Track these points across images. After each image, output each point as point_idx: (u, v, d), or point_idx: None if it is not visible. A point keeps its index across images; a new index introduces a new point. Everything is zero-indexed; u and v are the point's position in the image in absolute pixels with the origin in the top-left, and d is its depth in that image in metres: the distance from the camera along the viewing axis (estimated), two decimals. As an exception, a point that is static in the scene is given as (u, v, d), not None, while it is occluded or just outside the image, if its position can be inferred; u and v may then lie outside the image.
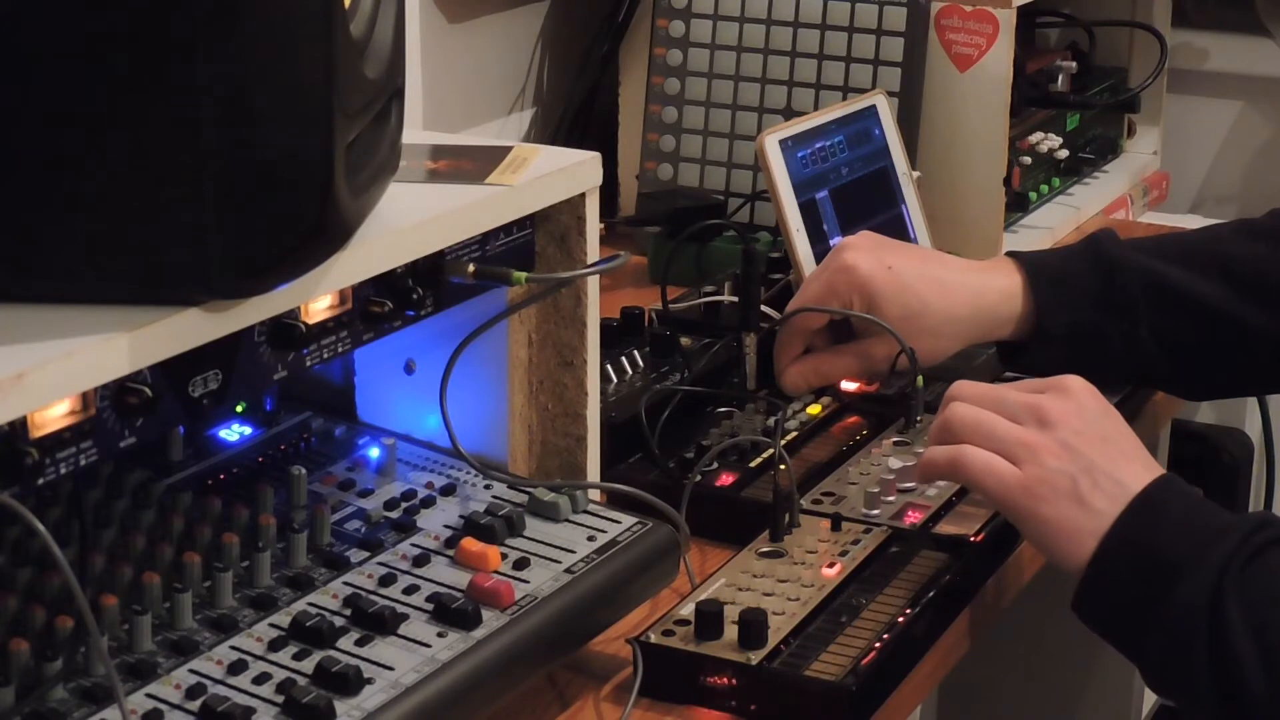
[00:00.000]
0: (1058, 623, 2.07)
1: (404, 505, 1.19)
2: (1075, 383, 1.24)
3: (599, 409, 1.27)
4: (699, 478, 1.33)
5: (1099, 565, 1.17)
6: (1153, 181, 2.23)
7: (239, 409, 1.25)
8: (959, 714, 2.19)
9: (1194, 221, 2.13)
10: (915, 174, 1.73)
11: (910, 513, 1.31)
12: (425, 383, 1.25)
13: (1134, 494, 1.17)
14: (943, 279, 1.46)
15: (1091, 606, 1.18)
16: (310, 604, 1.07)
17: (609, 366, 1.46)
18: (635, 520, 1.18)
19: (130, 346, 0.90)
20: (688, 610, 1.17)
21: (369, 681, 1.00)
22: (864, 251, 1.46)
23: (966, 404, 1.24)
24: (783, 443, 1.40)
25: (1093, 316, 1.46)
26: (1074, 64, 2.11)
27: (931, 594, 1.22)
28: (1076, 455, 1.19)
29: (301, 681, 0.99)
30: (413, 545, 1.14)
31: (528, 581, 1.11)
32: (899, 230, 1.68)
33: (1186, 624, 1.12)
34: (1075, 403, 1.22)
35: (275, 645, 1.03)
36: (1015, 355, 1.50)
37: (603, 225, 1.32)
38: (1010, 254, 1.51)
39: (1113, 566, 1.16)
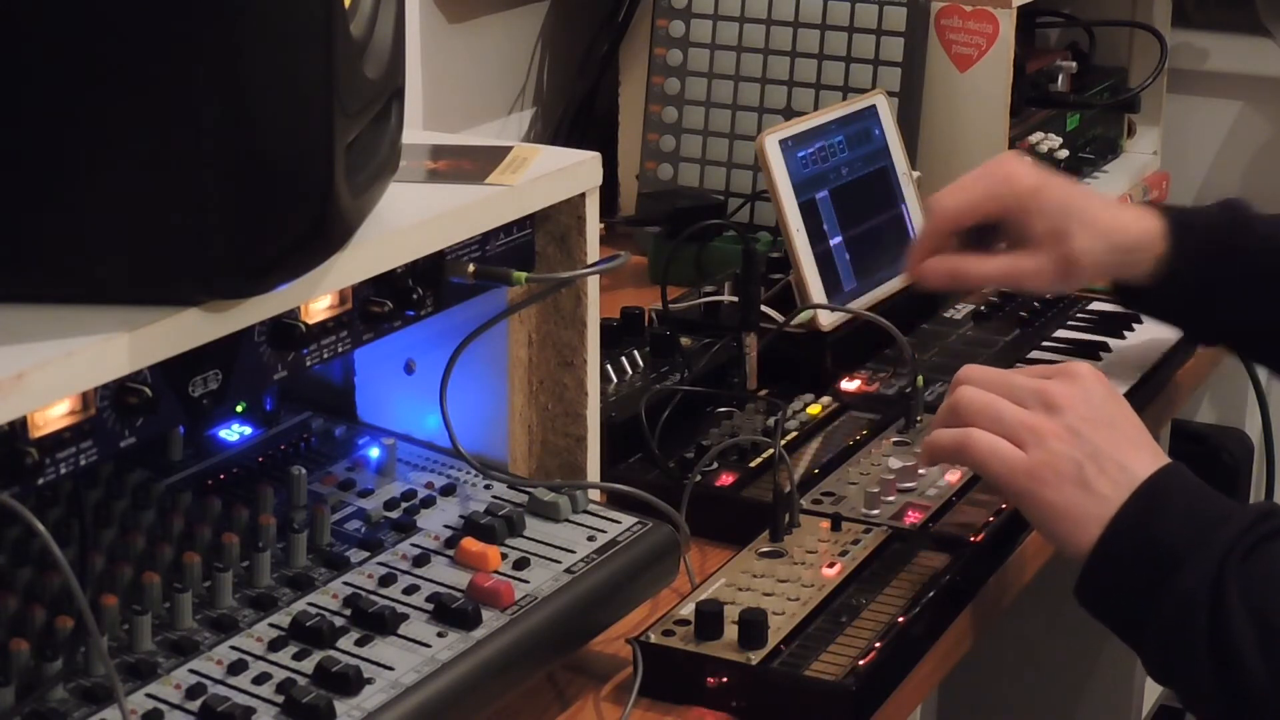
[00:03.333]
0: (1058, 623, 2.07)
1: (404, 505, 1.19)
2: (1083, 368, 1.24)
3: (599, 409, 1.27)
4: (699, 478, 1.33)
5: (1102, 551, 1.17)
6: (1153, 181, 2.23)
7: (239, 409, 1.25)
8: (959, 714, 2.19)
9: (1194, 221, 2.12)
10: (915, 174, 1.73)
11: (910, 513, 1.31)
12: (425, 383, 1.25)
13: (1140, 481, 1.17)
14: (1092, 209, 1.49)
15: (1093, 592, 1.18)
16: (310, 604, 1.07)
17: (609, 366, 1.46)
18: (635, 520, 1.18)
19: (130, 346, 0.90)
20: (688, 610, 1.17)
21: (369, 681, 1.00)
22: (1026, 166, 1.48)
23: (974, 387, 1.24)
24: (783, 443, 1.40)
25: (1217, 273, 1.48)
26: (1074, 64, 2.11)
27: (931, 594, 1.22)
28: (1083, 440, 1.19)
29: (301, 681, 0.99)
30: (413, 545, 1.14)
31: (528, 581, 1.11)
32: (899, 230, 1.68)
33: (1187, 611, 1.12)
34: (1083, 388, 1.22)
35: (275, 645, 1.03)
36: (1136, 297, 1.53)
37: (603, 225, 1.32)
38: (1150, 203, 1.54)
39: (1116, 552, 1.16)
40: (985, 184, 1.48)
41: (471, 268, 1.17)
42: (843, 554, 1.25)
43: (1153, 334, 1.69)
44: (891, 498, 1.33)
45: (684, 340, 1.52)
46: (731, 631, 1.14)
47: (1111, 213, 1.50)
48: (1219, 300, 1.49)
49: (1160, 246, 1.48)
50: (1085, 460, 1.18)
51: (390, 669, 1.01)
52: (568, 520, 1.18)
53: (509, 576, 1.11)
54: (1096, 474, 1.18)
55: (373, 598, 1.08)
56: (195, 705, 0.97)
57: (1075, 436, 1.19)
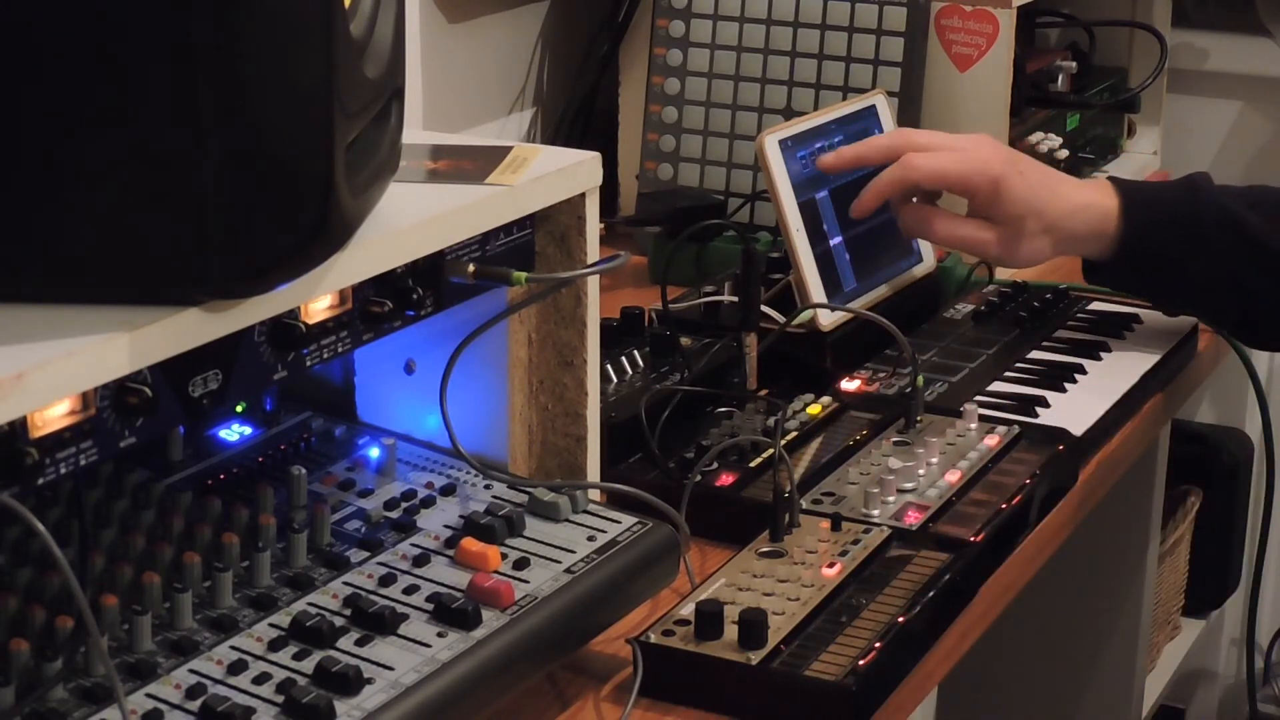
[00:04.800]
0: (1058, 623, 2.07)
1: (404, 505, 1.19)
2: None
3: (599, 409, 1.27)
4: (699, 478, 1.33)
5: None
6: (1153, 182, 2.23)
7: (239, 409, 1.25)
8: (959, 714, 2.19)
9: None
10: (915, 174, 1.73)
11: (910, 513, 1.31)
12: (425, 383, 1.25)
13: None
14: (1058, 190, 1.57)
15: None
16: (310, 604, 1.07)
17: (609, 366, 1.46)
18: (635, 520, 1.18)
19: (130, 346, 0.91)
20: (688, 610, 1.17)
21: (369, 681, 1.00)
22: (999, 151, 1.59)
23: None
24: (783, 443, 1.40)
25: (1174, 250, 1.57)
26: (1074, 64, 2.11)
27: (931, 594, 1.22)
28: None
29: (301, 681, 0.99)
30: (413, 545, 1.14)
31: (528, 581, 1.11)
32: (899, 230, 1.68)
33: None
34: None
35: (275, 645, 1.03)
36: (1096, 271, 1.62)
37: (603, 225, 1.32)
38: (1111, 179, 1.62)
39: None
40: (962, 165, 1.56)
41: (471, 268, 1.17)
42: (843, 554, 1.25)
43: (1153, 334, 1.69)
44: (891, 498, 1.33)
45: (684, 340, 1.52)
46: (731, 631, 1.14)
47: (1071, 200, 1.58)
48: (1174, 272, 1.58)
49: (1113, 226, 1.57)
50: None
51: (390, 669, 1.01)
52: (568, 520, 1.18)
53: (509, 576, 1.11)
54: None
55: (373, 598, 1.08)
56: (195, 705, 0.97)
57: None
